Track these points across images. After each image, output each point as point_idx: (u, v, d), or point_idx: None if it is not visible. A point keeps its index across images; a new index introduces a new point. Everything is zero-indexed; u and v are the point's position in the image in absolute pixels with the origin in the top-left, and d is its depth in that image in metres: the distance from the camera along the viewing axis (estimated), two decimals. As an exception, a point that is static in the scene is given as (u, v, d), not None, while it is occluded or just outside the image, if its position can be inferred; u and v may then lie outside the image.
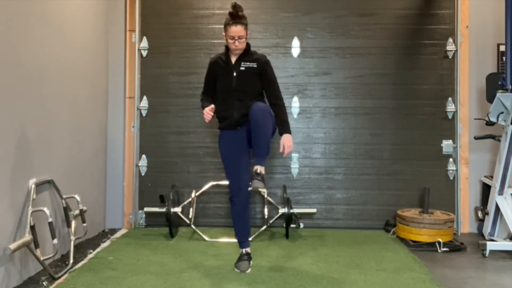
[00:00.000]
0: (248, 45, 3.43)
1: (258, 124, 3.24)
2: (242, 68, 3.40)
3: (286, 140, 3.38)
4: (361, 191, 4.75)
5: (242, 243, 3.47)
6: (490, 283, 3.22)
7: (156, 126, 4.79)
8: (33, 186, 3.17)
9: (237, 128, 3.41)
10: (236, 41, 3.32)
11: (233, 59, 3.43)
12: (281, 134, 3.41)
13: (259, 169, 3.30)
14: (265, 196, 4.49)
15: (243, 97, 3.38)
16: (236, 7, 3.32)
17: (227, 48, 3.43)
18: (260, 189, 3.40)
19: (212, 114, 3.38)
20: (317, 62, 4.78)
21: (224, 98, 3.43)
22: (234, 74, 3.39)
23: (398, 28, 4.76)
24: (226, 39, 3.38)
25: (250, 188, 3.42)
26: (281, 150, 3.37)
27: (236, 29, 3.30)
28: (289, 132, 3.42)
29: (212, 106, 3.38)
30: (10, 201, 2.96)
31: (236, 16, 3.31)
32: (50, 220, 3.21)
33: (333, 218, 4.76)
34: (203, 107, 3.43)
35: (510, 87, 3.96)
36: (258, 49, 4.71)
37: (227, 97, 3.41)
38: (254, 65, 3.41)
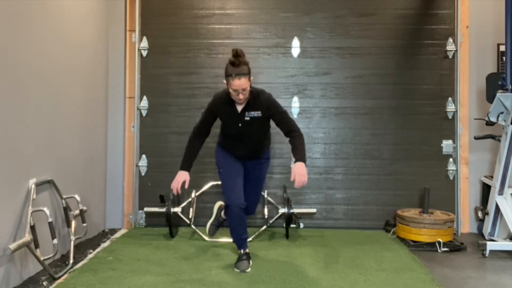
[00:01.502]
0: (250, 89, 3.26)
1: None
2: (247, 119, 3.32)
3: (299, 168, 3.18)
4: (361, 191, 4.75)
5: (240, 245, 3.47)
6: (490, 283, 3.22)
7: (156, 126, 4.78)
8: (33, 186, 3.17)
9: (239, 159, 3.50)
10: (240, 94, 3.19)
11: (239, 108, 3.32)
12: (295, 162, 3.25)
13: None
14: (265, 196, 4.50)
15: (250, 139, 3.42)
16: (238, 55, 3.16)
17: (229, 95, 3.27)
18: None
19: (180, 191, 3.38)
20: (317, 62, 4.78)
21: (229, 137, 3.45)
22: (240, 124, 3.34)
23: (398, 28, 4.76)
24: (228, 89, 3.22)
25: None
26: (292, 178, 3.17)
27: (240, 82, 3.14)
28: (303, 160, 3.24)
29: (187, 179, 3.38)
30: (10, 201, 2.96)
31: (238, 65, 3.15)
32: (50, 220, 3.21)
33: (333, 218, 4.76)
34: (182, 165, 3.41)
35: (510, 87, 3.96)
36: (258, 49, 4.76)
37: (233, 139, 3.43)
38: (259, 113, 3.32)
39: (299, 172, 3.17)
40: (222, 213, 3.80)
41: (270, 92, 3.41)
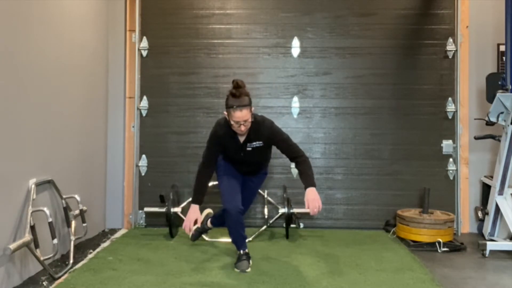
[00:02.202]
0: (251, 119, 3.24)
1: None
2: (249, 149, 3.35)
3: (310, 194, 3.15)
4: (361, 191, 4.75)
5: (240, 245, 3.48)
6: (490, 283, 3.22)
7: (156, 126, 4.79)
8: (33, 186, 3.17)
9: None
10: (242, 125, 3.18)
11: (241, 139, 3.33)
12: (305, 188, 3.22)
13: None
14: (265, 196, 4.50)
15: (251, 163, 3.49)
16: (238, 87, 3.14)
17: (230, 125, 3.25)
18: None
19: (193, 231, 3.41)
20: (317, 62, 4.78)
21: (231, 160, 3.49)
22: (242, 154, 3.37)
23: (398, 28, 4.76)
24: (229, 121, 3.20)
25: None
26: (306, 206, 3.13)
27: (241, 114, 3.12)
28: (313, 185, 3.21)
29: (199, 215, 3.36)
30: (10, 201, 2.96)
31: (239, 96, 3.12)
32: (50, 220, 3.21)
33: (333, 218, 4.76)
34: (194, 200, 3.39)
35: (510, 87, 3.96)
36: (258, 49, 4.76)
37: (235, 162, 3.48)
38: (260, 143, 3.33)
39: (312, 198, 3.13)
40: (209, 222, 3.85)
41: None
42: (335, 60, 4.77)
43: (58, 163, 3.65)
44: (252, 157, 3.42)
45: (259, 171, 3.64)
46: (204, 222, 3.86)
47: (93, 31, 4.33)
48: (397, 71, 4.76)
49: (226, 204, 3.35)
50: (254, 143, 3.33)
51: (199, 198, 3.42)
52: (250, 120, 3.20)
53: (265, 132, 3.31)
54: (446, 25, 4.74)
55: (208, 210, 3.98)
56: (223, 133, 3.33)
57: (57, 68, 3.61)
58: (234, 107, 3.12)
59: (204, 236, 4.24)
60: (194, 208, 3.38)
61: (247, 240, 3.56)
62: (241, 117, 3.14)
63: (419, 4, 4.76)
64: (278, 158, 4.65)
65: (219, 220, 3.77)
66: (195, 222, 3.38)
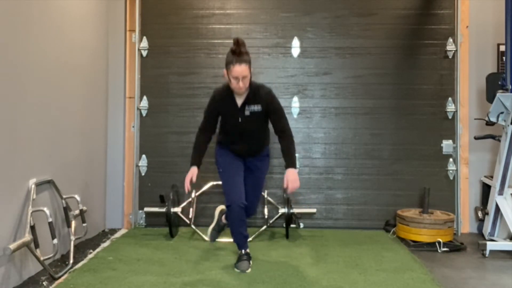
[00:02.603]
0: (250, 82, 3.27)
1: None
2: (247, 113, 3.32)
3: (290, 175, 3.24)
4: (361, 191, 4.75)
5: (241, 245, 3.47)
6: (490, 283, 3.22)
7: (156, 126, 4.79)
8: (33, 186, 3.17)
9: (239, 156, 3.49)
10: (240, 82, 3.17)
11: (239, 102, 3.31)
12: (286, 168, 3.30)
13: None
14: (265, 196, 4.50)
15: (250, 136, 3.41)
16: (238, 44, 3.15)
17: (229, 87, 3.27)
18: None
19: (190, 187, 3.38)
20: (317, 62, 4.78)
21: (229, 133, 3.44)
22: (240, 119, 3.33)
23: (398, 28, 4.76)
24: (229, 78, 3.21)
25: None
26: (285, 185, 3.24)
27: (240, 69, 3.13)
28: (294, 166, 3.29)
29: (195, 173, 3.37)
30: (10, 201, 2.96)
31: (240, 53, 3.14)
32: (50, 220, 3.21)
33: (333, 218, 4.76)
34: (191, 162, 3.42)
35: (510, 87, 3.96)
36: (258, 49, 4.76)
37: (233, 134, 3.42)
38: (259, 107, 3.31)
39: (292, 178, 3.23)
40: (223, 217, 3.78)
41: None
42: (335, 60, 4.78)
43: (58, 163, 3.65)
44: (250, 126, 3.36)
45: (260, 150, 3.54)
46: (219, 219, 3.80)
47: (93, 31, 4.33)
48: (397, 71, 4.76)
49: (227, 200, 3.34)
50: (253, 106, 3.30)
51: (197, 160, 3.45)
52: (249, 78, 3.21)
53: (265, 96, 3.31)
54: (446, 25, 4.74)
55: (221, 207, 3.87)
56: (221, 97, 3.34)
57: (57, 68, 3.61)
58: (234, 62, 3.13)
59: (204, 236, 4.24)
60: (192, 168, 3.41)
61: (247, 240, 3.55)
62: (240, 72, 3.13)
63: (419, 4, 4.76)
64: (278, 158, 4.66)
65: None
66: (191, 181, 3.39)
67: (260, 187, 3.65)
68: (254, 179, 3.56)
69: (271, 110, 3.35)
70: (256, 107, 3.31)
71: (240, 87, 3.20)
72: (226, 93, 3.32)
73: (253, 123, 3.36)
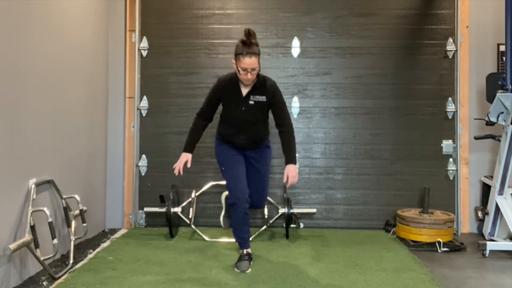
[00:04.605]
0: (258, 74, 3.28)
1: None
2: (251, 102, 3.33)
3: (290, 170, 3.29)
4: (361, 191, 4.75)
5: (243, 244, 3.47)
6: (490, 283, 3.22)
7: (156, 126, 4.79)
8: (33, 186, 3.17)
9: (239, 149, 3.48)
10: (249, 73, 3.19)
11: (244, 91, 3.32)
12: (286, 163, 3.33)
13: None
14: (265, 196, 4.49)
15: (251, 126, 3.41)
16: (250, 35, 3.17)
17: (235, 76, 3.29)
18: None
19: (182, 172, 3.39)
20: (317, 62, 4.78)
21: (230, 123, 3.44)
22: (243, 108, 3.34)
23: (398, 28, 4.76)
24: (237, 68, 3.22)
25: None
26: (284, 180, 3.31)
27: (250, 61, 3.15)
28: (294, 162, 3.33)
29: (189, 159, 3.39)
30: (10, 201, 2.96)
31: (250, 45, 3.16)
32: (50, 220, 3.21)
33: (333, 218, 4.76)
34: (186, 147, 3.42)
35: (510, 87, 3.96)
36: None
37: (234, 124, 3.42)
38: (264, 98, 3.33)
39: (292, 174, 3.29)
40: None
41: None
42: (335, 60, 4.77)
43: (58, 163, 3.65)
44: (252, 116, 3.36)
45: (261, 142, 3.54)
46: (227, 205, 3.80)
47: (93, 31, 4.33)
48: (397, 71, 4.76)
49: (231, 198, 3.36)
50: (258, 97, 3.32)
51: (190, 147, 3.46)
52: (257, 70, 3.23)
53: (270, 88, 3.34)
54: (446, 25, 4.73)
55: (226, 193, 3.78)
56: (226, 84, 3.35)
57: (57, 68, 3.61)
58: (244, 53, 3.15)
59: (204, 236, 4.24)
60: (185, 154, 3.43)
61: (247, 240, 3.55)
62: (250, 64, 3.15)
63: (419, 4, 4.76)
64: (278, 158, 4.65)
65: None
66: (186, 164, 3.41)
67: (266, 179, 3.62)
68: (257, 172, 3.54)
69: (274, 102, 3.37)
70: (261, 98, 3.33)
71: (248, 79, 3.22)
72: (231, 81, 3.34)
73: (255, 113, 3.37)
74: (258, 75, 3.30)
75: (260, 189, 3.57)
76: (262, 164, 3.57)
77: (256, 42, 3.22)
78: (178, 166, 3.39)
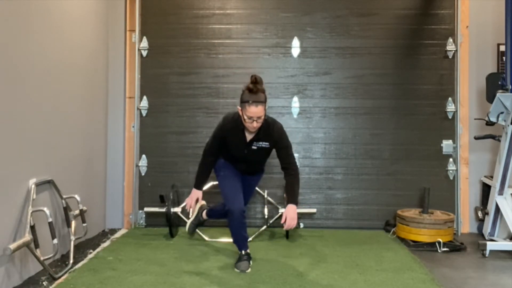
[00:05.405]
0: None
1: None
2: (254, 148, 3.34)
3: (290, 212, 3.22)
4: (361, 191, 4.75)
5: (241, 246, 3.48)
6: (490, 283, 3.22)
7: (156, 126, 4.79)
8: (33, 186, 3.17)
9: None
10: (255, 122, 3.15)
11: (248, 137, 3.31)
12: (287, 203, 3.30)
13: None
14: (265, 196, 4.49)
15: (251, 162, 3.48)
16: (256, 82, 3.12)
17: (241, 120, 3.23)
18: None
19: (194, 208, 3.53)
20: (317, 62, 4.78)
21: (232, 157, 3.47)
22: (245, 151, 3.36)
23: (398, 28, 4.76)
24: (243, 116, 3.17)
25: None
26: (282, 221, 3.22)
27: (256, 110, 3.10)
28: (295, 203, 3.28)
29: (200, 196, 3.46)
30: (10, 201, 2.96)
31: (256, 92, 3.10)
32: (50, 220, 3.21)
33: (333, 218, 4.76)
34: (196, 184, 3.48)
35: (510, 87, 3.96)
36: (258, 49, 4.76)
37: (236, 159, 3.46)
38: (267, 144, 3.33)
39: (290, 216, 3.22)
40: (204, 213, 3.89)
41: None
42: (335, 60, 4.77)
43: (58, 163, 3.65)
44: (253, 157, 3.42)
45: (258, 171, 3.66)
46: (199, 214, 3.91)
47: (93, 31, 4.33)
48: (397, 71, 4.76)
49: (229, 205, 3.36)
50: (261, 143, 3.32)
51: (201, 185, 3.51)
52: (263, 118, 3.18)
53: (275, 134, 3.30)
54: (446, 25, 4.74)
55: (202, 202, 3.94)
56: (231, 127, 3.32)
57: (57, 68, 3.61)
58: (250, 102, 3.10)
59: (204, 236, 4.24)
60: (195, 191, 3.49)
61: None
62: (256, 113, 3.11)
63: (419, 4, 4.76)
64: (278, 158, 4.66)
65: (215, 214, 3.82)
66: (197, 201, 3.50)
67: (253, 192, 3.84)
68: (249, 185, 3.67)
69: (279, 147, 3.36)
70: (264, 144, 3.33)
71: (254, 127, 3.19)
72: (236, 125, 3.30)
73: (257, 155, 3.42)
74: (264, 121, 3.24)
75: (247, 196, 3.67)
76: (255, 182, 3.72)
77: (263, 89, 3.16)
78: (189, 203, 3.45)
